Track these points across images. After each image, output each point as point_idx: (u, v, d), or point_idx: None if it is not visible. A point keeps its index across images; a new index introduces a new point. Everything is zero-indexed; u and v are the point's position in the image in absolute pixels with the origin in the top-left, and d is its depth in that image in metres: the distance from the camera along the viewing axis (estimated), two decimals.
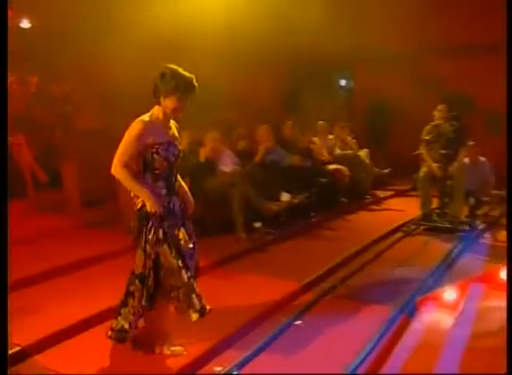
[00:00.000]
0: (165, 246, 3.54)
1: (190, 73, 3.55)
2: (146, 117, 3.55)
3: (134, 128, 3.49)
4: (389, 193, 10.83)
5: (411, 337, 3.92)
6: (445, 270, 6.00)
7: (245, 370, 3.66)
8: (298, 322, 4.53)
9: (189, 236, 3.72)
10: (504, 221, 8.55)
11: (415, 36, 11.89)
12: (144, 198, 3.51)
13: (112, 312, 3.74)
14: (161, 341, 3.79)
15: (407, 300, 4.84)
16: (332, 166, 9.39)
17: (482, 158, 8.77)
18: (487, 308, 3.94)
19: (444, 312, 4.38)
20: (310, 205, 8.34)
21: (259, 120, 8.98)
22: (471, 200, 8.40)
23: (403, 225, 8.04)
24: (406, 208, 9.17)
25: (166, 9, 8.29)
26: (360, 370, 3.58)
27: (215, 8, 8.89)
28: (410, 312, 4.57)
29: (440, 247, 7.00)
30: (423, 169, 8.20)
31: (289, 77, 13.86)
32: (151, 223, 3.53)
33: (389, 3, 10.79)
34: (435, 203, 8.35)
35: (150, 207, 3.49)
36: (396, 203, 10.09)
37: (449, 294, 4.55)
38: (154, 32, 8.05)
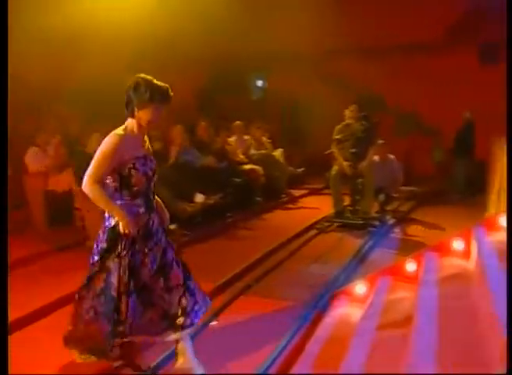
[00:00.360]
0: (124, 277, 3.32)
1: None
2: (120, 131, 3.33)
3: (108, 142, 3.26)
4: (303, 191, 11.02)
5: (323, 332, 3.98)
6: (357, 265, 6.15)
7: (160, 372, 3.60)
8: (213, 322, 4.48)
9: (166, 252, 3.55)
10: (413, 215, 8.90)
11: (327, 37, 12.10)
12: (118, 217, 3.29)
13: None
14: None
15: (320, 296, 4.92)
16: (247, 166, 9.45)
17: (391, 156, 9.05)
18: (394, 299, 4.05)
19: (355, 305, 4.48)
20: (225, 206, 8.35)
21: (174, 121, 8.89)
22: (381, 196, 8.67)
23: (316, 222, 8.18)
24: (320, 206, 9.35)
25: (76, 9, 8.03)
26: (273, 369, 3.58)
27: (126, 7, 8.71)
28: (323, 307, 4.65)
29: (352, 243, 7.17)
30: (334, 168, 8.38)
31: (204, 77, 13.81)
32: (122, 244, 3.31)
33: (303, 4, 10.95)
34: (347, 200, 8.57)
35: (123, 227, 3.27)
36: (310, 201, 10.27)
37: (360, 288, 4.66)
38: (64, 33, 7.80)
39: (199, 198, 7.81)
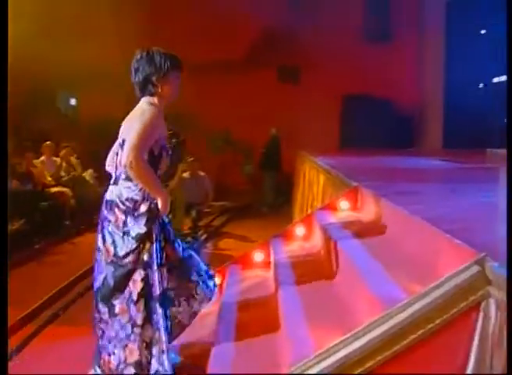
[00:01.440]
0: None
1: None
2: (150, 103, 2.98)
3: (149, 112, 2.92)
4: None
5: None
6: None
7: None
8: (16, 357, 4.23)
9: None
10: (225, 229, 9.18)
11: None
12: (160, 196, 2.91)
13: None
14: None
15: None
16: (54, 189, 9.07)
17: (202, 173, 9.27)
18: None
19: None
20: (32, 231, 7.93)
21: None
22: (193, 212, 8.82)
23: None
24: None
25: None
26: None
27: None
28: None
29: None
30: None
31: (10, 96, 12.96)
32: (157, 227, 2.93)
33: (111, 19, 10.82)
34: None
35: (163, 206, 2.90)
36: None
37: None
38: None
39: None
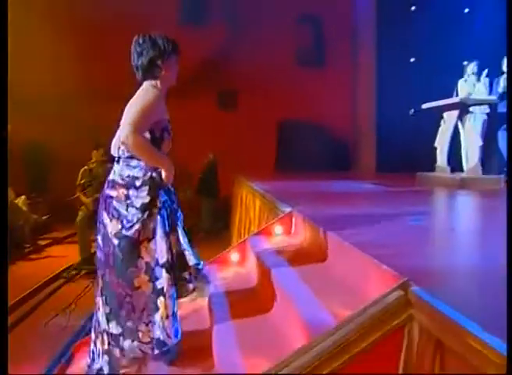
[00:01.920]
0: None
1: None
2: (153, 86, 3.07)
3: (150, 93, 3.00)
4: (50, 240, 10.53)
5: None
6: None
7: None
8: None
9: None
10: None
11: (72, 78, 11.85)
12: (163, 166, 2.99)
13: None
14: None
15: (64, 348, 4.74)
16: None
17: None
18: None
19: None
20: None
21: None
22: None
23: (63, 271, 7.89)
24: (69, 253, 9.01)
25: None
26: None
27: None
28: (66, 360, 4.48)
29: None
30: (80, 214, 8.22)
31: None
32: (161, 197, 3.01)
33: (45, 45, 10.64)
34: (94, 246, 8.40)
35: (167, 175, 2.99)
36: (58, 250, 9.84)
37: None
38: None
39: None
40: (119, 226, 2.97)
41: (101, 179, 8.27)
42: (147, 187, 2.98)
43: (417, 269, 2.49)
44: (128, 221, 2.96)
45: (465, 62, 7.97)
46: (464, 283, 2.49)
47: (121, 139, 2.90)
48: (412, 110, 10.98)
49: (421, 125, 9.15)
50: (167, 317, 2.95)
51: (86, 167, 8.38)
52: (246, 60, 12.25)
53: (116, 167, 3.08)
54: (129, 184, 2.98)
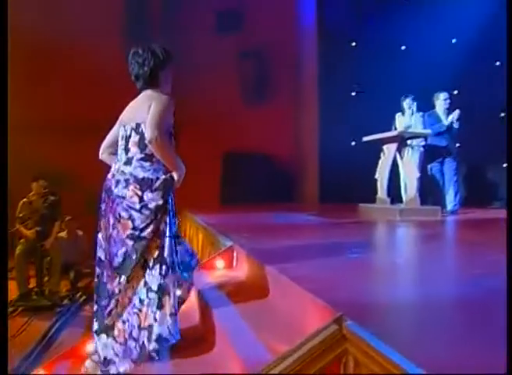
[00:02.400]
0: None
1: None
2: (159, 92, 3.24)
3: (164, 98, 3.17)
4: None
5: None
6: (43, 350, 5.88)
7: None
8: None
9: None
10: None
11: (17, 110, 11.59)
12: (178, 171, 3.23)
13: None
14: None
15: None
16: None
17: (80, 232, 9.00)
18: None
19: None
20: None
21: None
22: (71, 273, 8.51)
23: None
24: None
25: None
26: None
27: None
28: None
29: (40, 326, 6.85)
30: (19, 247, 8.01)
31: None
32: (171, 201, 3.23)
33: None
34: (33, 282, 8.18)
35: (178, 179, 3.23)
36: None
37: None
38: None
39: None
40: (131, 227, 3.11)
41: (42, 211, 8.12)
42: (161, 190, 3.14)
43: (353, 303, 2.53)
44: (142, 222, 3.10)
45: (402, 97, 8.25)
46: (399, 316, 2.53)
47: (148, 139, 3.06)
48: (353, 142, 11.25)
49: (363, 157, 9.34)
50: (171, 315, 3.08)
51: (25, 199, 8.18)
52: (189, 96, 12.27)
53: (126, 168, 3.18)
54: (145, 186, 3.11)
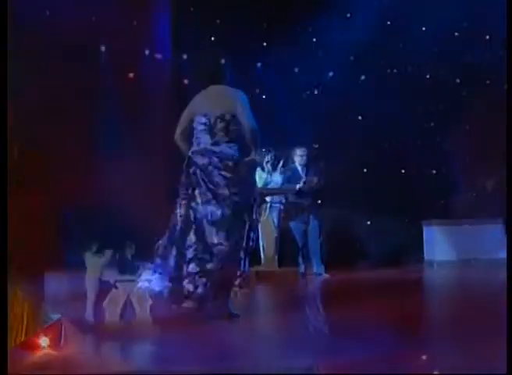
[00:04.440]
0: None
1: None
2: None
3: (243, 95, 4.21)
4: None
5: None
6: None
7: None
8: None
9: None
10: None
11: None
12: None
13: None
14: None
15: None
16: None
17: None
18: None
19: None
20: None
21: None
22: None
23: None
24: None
25: None
26: None
27: None
28: None
29: None
30: None
31: None
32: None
33: None
34: None
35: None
36: None
37: None
38: None
39: None
40: (227, 193, 3.88)
41: None
42: (241, 164, 4.01)
43: None
44: (234, 187, 3.91)
45: (263, 151, 7.74)
46: None
47: (250, 129, 4.04)
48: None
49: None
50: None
51: None
52: None
53: (216, 148, 4.00)
54: (235, 160, 3.99)
